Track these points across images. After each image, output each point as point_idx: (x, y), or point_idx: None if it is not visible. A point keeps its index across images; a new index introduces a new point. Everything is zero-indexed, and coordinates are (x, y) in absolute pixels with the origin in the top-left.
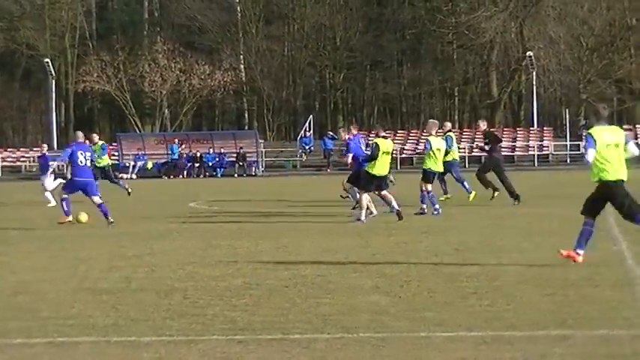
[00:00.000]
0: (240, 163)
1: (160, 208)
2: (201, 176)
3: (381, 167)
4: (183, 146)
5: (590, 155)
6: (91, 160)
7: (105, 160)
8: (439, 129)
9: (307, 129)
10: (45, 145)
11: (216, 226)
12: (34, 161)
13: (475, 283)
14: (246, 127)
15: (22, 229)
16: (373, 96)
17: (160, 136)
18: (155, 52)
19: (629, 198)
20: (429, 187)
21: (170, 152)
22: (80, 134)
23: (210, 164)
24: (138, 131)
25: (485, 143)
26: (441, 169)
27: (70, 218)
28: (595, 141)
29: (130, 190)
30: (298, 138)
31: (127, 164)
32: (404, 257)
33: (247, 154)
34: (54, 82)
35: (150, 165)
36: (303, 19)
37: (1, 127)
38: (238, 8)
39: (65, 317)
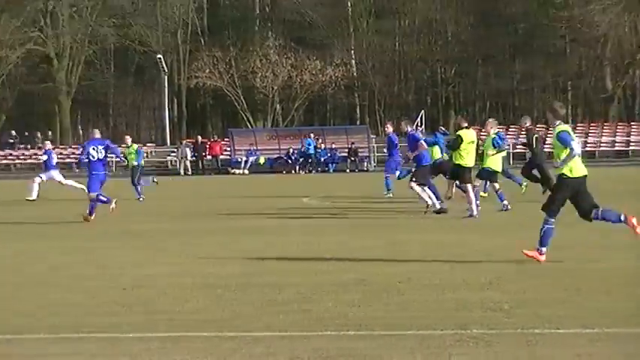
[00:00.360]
0: (352, 159)
1: (272, 203)
2: (314, 171)
3: (469, 157)
4: (320, 140)
5: (578, 147)
6: (122, 159)
7: (134, 161)
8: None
9: (419, 124)
10: (48, 142)
11: (328, 222)
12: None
13: (589, 280)
14: (358, 122)
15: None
16: (485, 90)
17: (272, 132)
18: (266, 48)
19: (589, 196)
20: (496, 185)
21: (307, 146)
22: (96, 131)
23: (323, 159)
24: (250, 127)
25: (525, 144)
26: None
27: (114, 204)
28: (571, 136)
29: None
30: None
31: (239, 159)
32: (517, 254)
33: (359, 150)
34: (166, 78)
35: (262, 160)
36: (414, 13)
37: (115, 123)
38: (348, 3)
39: (179, 312)
